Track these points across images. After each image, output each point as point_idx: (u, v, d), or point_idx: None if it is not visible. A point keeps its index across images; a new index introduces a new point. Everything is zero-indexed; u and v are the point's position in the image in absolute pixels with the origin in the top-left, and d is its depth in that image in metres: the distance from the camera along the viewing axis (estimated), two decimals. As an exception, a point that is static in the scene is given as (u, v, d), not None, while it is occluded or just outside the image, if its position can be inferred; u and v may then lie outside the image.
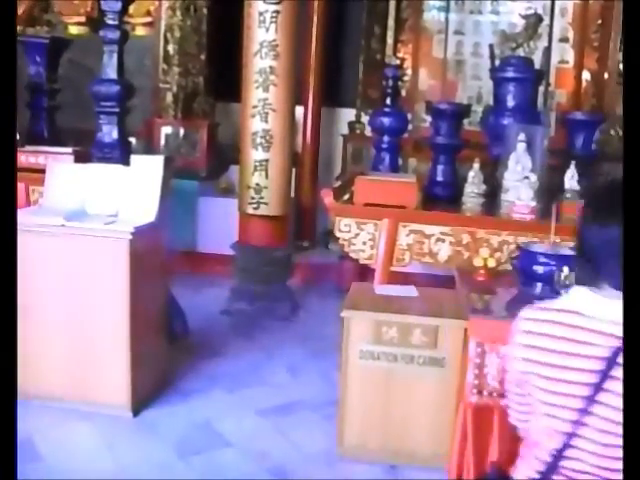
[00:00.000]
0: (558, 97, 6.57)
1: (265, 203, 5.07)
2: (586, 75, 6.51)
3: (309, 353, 4.50)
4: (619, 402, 1.42)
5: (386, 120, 4.97)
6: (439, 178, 5.05)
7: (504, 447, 2.91)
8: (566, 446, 1.50)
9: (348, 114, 6.73)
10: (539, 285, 3.37)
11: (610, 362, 1.42)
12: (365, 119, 6.33)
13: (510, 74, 4.86)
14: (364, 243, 4.34)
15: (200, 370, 4.14)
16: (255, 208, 5.09)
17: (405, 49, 6.57)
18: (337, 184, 4.78)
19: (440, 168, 5.07)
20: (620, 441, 1.41)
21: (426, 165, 5.61)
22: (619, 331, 1.42)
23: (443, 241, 4.37)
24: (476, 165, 4.58)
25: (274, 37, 4.87)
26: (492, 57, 5.16)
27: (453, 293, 3.51)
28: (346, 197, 4.55)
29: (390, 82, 4.95)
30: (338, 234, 4.37)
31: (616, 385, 1.43)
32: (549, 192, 4.66)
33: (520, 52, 5.08)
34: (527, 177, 4.54)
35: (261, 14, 4.85)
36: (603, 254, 1.47)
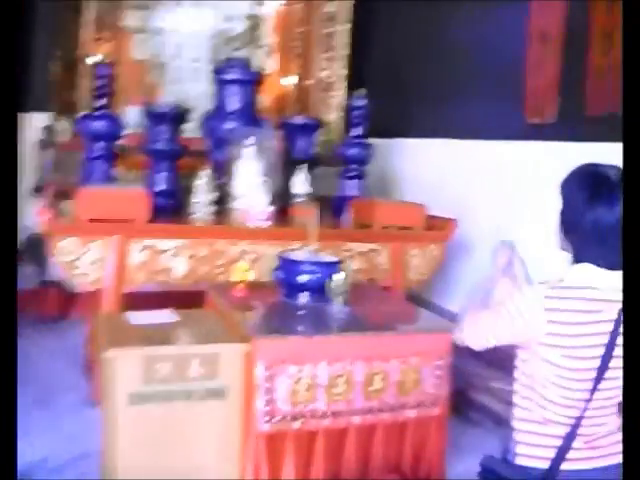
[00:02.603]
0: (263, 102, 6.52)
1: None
2: (291, 81, 6.53)
3: (27, 403, 3.36)
4: None
5: (99, 124, 4.37)
6: (160, 187, 4.65)
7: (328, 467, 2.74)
8: (583, 414, 1.74)
9: (39, 119, 5.93)
10: (306, 294, 3.19)
11: (617, 321, 1.72)
12: (63, 124, 5.64)
13: (233, 76, 4.65)
14: (91, 264, 3.81)
15: None
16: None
17: (103, 48, 5.97)
18: (47, 199, 4.11)
19: (161, 176, 4.69)
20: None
21: (134, 174, 5.16)
22: (619, 296, 1.70)
23: (179, 255, 4.01)
24: (203, 172, 4.29)
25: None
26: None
27: (216, 314, 3.17)
28: (64, 213, 3.94)
29: (102, 81, 4.38)
30: (57, 257, 3.77)
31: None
32: (277, 197, 4.53)
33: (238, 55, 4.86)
34: (260, 182, 4.37)
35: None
36: (602, 235, 1.70)
